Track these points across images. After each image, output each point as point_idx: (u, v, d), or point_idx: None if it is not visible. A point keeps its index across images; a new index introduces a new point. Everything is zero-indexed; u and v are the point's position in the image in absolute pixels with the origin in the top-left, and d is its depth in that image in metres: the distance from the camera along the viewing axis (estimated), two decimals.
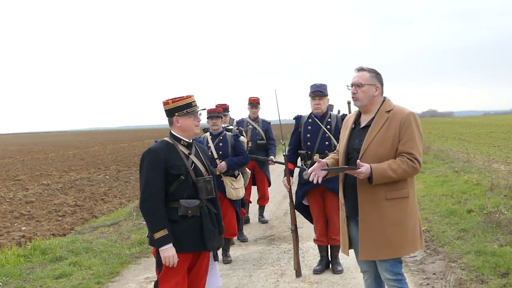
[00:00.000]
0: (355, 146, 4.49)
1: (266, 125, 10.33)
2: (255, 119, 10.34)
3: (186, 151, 4.62)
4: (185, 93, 4.65)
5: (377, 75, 4.52)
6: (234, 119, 10.38)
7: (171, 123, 4.64)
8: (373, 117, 4.48)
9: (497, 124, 69.43)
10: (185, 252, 4.52)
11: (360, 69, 4.53)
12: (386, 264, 4.47)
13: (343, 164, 4.53)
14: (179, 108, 4.57)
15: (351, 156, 4.48)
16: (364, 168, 4.21)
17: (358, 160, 4.26)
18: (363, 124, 4.54)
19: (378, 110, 4.48)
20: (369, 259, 4.52)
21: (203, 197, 4.58)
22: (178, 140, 4.63)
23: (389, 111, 4.44)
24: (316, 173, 4.50)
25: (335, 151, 4.94)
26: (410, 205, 4.44)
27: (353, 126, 4.63)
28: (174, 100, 4.58)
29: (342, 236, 4.75)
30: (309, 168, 6.74)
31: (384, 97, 4.56)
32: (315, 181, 4.51)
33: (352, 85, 4.50)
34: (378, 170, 4.22)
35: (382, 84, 4.54)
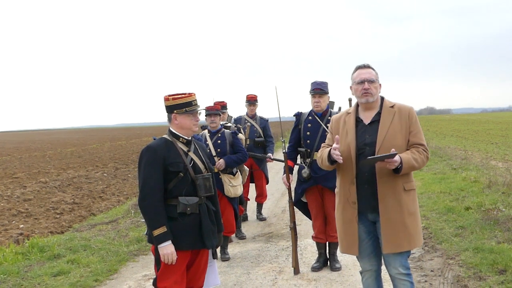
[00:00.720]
0: (366, 141, 4.49)
1: (263, 122, 10.33)
2: (253, 116, 10.34)
3: (185, 148, 4.61)
4: (186, 90, 4.63)
5: (377, 74, 4.61)
6: (232, 117, 10.38)
7: (169, 119, 4.63)
8: (378, 113, 4.56)
9: (495, 121, 69.56)
10: (184, 249, 4.51)
11: (368, 66, 4.60)
12: (401, 259, 4.51)
13: (355, 160, 4.49)
14: (178, 106, 4.56)
15: (362, 151, 4.48)
16: (397, 157, 4.29)
17: (392, 149, 4.29)
18: (368, 120, 4.57)
19: (382, 106, 4.58)
20: (393, 252, 4.48)
21: (202, 194, 4.57)
22: (177, 137, 4.62)
23: (392, 106, 4.56)
24: (337, 154, 4.44)
25: (323, 147, 4.85)
26: (416, 196, 4.62)
27: (355, 123, 4.61)
28: (174, 97, 4.56)
29: (348, 236, 4.62)
30: (308, 166, 6.78)
31: (381, 95, 4.66)
32: (340, 161, 4.46)
33: (364, 81, 4.50)
34: (406, 160, 4.33)
35: None
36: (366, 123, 4.57)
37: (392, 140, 4.41)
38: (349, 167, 4.52)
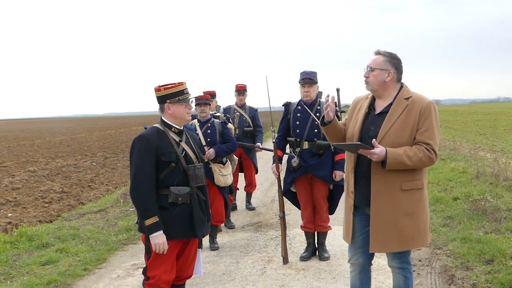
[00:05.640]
0: (370, 134, 4.30)
1: (253, 112, 10.32)
2: (242, 106, 10.33)
3: (177, 138, 4.60)
4: (175, 80, 4.62)
5: (392, 60, 4.30)
6: (221, 106, 10.37)
7: (162, 109, 4.61)
8: (391, 104, 4.29)
9: (483, 112, 69.90)
10: (175, 239, 4.53)
11: (376, 53, 4.35)
12: (395, 254, 4.41)
13: (355, 154, 4.36)
14: (171, 95, 4.54)
15: (365, 143, 4.25)
16: (378, 149, 4.07)
17: (374, 140, 4.11)
18: (378, 110, 4.35)
19: (396, 96, 4.30)
20: (380, 251, 4.43)
21: (193, 184, 4.57)
22: (169, 127, 4.60)
23: (407, 98, 4.26)
24: (330, 108, 4.37)
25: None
26: (424, 196, 4.34)
27: (367, 111, 4.43)
28: (166, 87, 4.54)
29: (346, 224, 4.59)
30: (298, 155, 6.79)
31: (402, 83, 4.38)
32: (327, 115, 4.39)
33: (367, 67, 4.33)
34: (393, 154, 4.08)
35: (398, 70, 4.32)
36: (376, 113, 4.36)
37: (395, 136, 4.18)
38: (351, 156, 4.43)
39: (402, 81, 4.40)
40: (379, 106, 4.38)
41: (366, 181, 4.33)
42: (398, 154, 4.08)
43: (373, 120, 4.36)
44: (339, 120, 6.99)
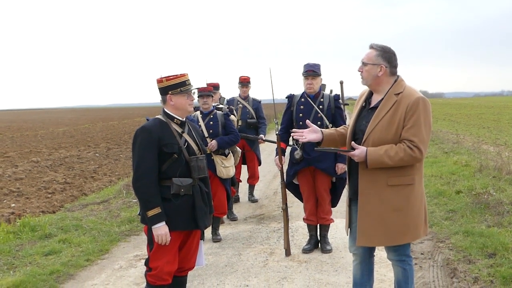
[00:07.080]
0: (361, 128, 4.32)
1: (256, 104, 10.32)
2: (246, 98, 10.33)
3: (179, 130, 4.59)
4: (178, 71, 4.61)
5: (384, 54, 4.25)
6: (224, 98, 10.37)
7: (164, 101, 4.60)
8: (382, 99, 4.26)
9: (487, 105, 69.81)
10: (177, 230, 4.53)
11: (369, 47, 4.32)
12: (392, 246, 4.42)
13: (349, 145, 4.37)
14: (173, 87, 4.54)
15: (357, 137, 4.31)
16: (358, 151, 4.12)
17: (352, 142, 4.17)
18: (372, 105, 4.35)
19: (388, 91, 4.27)
20: (366, 245, 4.43)
21: (195, 176, 4.56)
22: (172, 118, 4.60)
23: (398, 93, 4.21)
24: (305, 135, 4.53)
25: (345, 126, 4.78)
26: (415, 192, 4.28)
27: (363, 105, 4.44)
28: (168, 78, 4.54)
29: (346, 214, 4.65)
30: (301, 147, 6.80)
31: (398, 76, 4.33)
32: (295, 137, 4.59)
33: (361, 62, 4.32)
34: (373, 155, 4.10)
35: (391, 63, 4.26)
36: (369, 107, 4.36)
37: (382, 132, 4.17)
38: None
39: (399, 74, 4.36)
40: (374, 100, 4.38)
41: (356, 175, 4.36)
42: (378, 155, 4.10)
43: (366, 114, 4.38)
44: (342, 112, 7.00)
